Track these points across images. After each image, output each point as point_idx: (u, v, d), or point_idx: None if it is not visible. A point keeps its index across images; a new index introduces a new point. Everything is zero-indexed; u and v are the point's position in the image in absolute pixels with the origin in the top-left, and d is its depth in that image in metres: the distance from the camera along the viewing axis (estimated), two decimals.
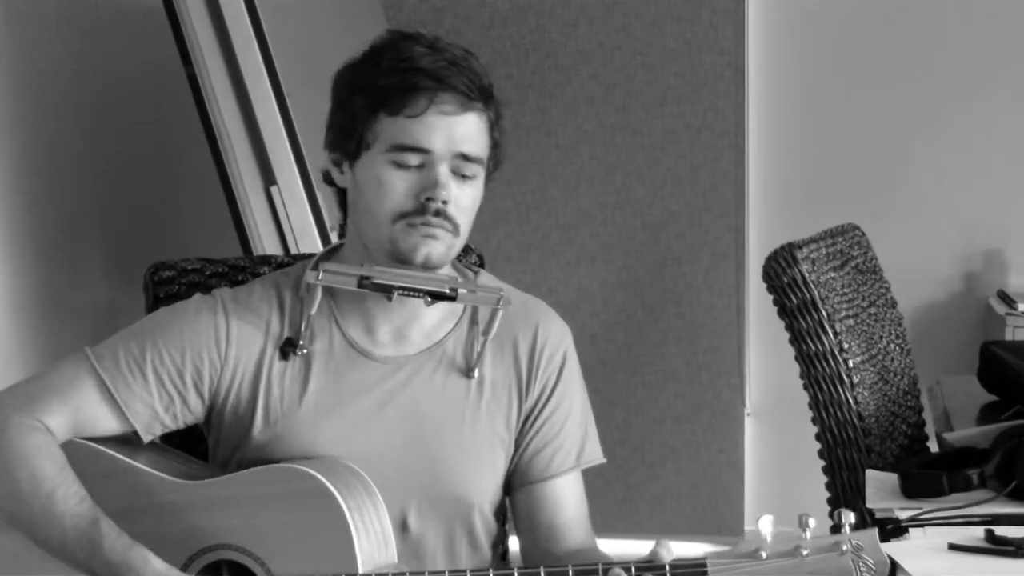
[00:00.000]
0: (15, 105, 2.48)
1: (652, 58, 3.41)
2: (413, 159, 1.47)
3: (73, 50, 2.67)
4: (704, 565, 1.31)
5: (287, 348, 1.53)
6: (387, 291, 1.47)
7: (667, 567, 1.33)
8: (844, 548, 1.27)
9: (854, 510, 2.05)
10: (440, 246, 1.49)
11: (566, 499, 1.59)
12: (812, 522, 1.28)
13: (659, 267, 3.50)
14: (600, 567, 1.34)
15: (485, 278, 1.65)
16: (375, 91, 1.48)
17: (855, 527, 1.29)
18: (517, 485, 1.60)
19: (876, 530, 1.30)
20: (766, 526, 1.29)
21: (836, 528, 1.30)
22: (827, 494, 2.18)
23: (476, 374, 1.56)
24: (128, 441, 1.53)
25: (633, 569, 1.33)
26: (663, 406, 3.54)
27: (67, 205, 2.66)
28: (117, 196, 2.82)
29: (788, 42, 3.42)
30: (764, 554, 1.28)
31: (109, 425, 1.51)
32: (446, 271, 1.56)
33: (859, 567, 1.27)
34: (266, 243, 2.37)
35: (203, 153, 2.42)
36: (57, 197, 2.63)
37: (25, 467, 1.44)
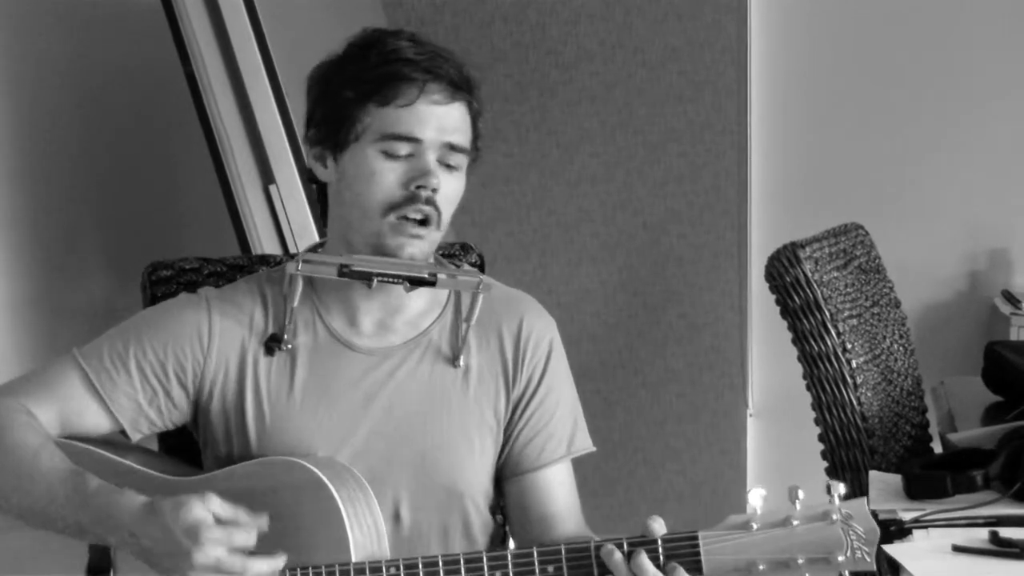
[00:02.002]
0: (13, 104, 2.48)
1: (654, 56, 3.40)
2: (403, 148, 1.49)
3: (72, 49, 2.66)
4: (695, 538, 1.33)
5: (272, 343, 1.55)
6: (367, 278, 1.47)
7: (659, 541, 1.33)
8: (834, 517, 1.28)
9: None
10: (425, 245, 1.51)
11: (558, 488, 1.60)
12: (801, 494, 1.30)
13: (661, 266, 3.49)
14: (592, 543, 1.36)
15: (468, 269, 1.66)
16: (365, 83, 1.50)
17: (844, 497, 1.29)
18: (509, 475, 1.61)
19: (865, 499, 1.31)
20: (756, 499, 1.29)
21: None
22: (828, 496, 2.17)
23: (461, 363, 1.57)
24: (117, 444, 1.54)
25: (625, 544, 1.34)
26: (665, 406, 3.54)
27: (65, 204, 2.65)
28: (115, 195, 2.81)
29: (791, 40, 3.41)
30: (755, 525, 1.30)
31: (95, 420, 1.52)
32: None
33: (849, 535, 1.28)
34: (265, 242, 2.36)
35: (201, 152, 2.41)
36: (55, 196, 2.62)
37: (8, 439, 1.45)
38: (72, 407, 1.51)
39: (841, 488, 1.29)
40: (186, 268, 1.76)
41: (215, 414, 1.55)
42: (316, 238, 2.37)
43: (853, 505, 1.29)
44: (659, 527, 1.34)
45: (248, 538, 1.35)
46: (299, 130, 2.37)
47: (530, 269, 3.51)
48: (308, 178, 1.61)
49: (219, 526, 1.33)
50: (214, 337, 1.54)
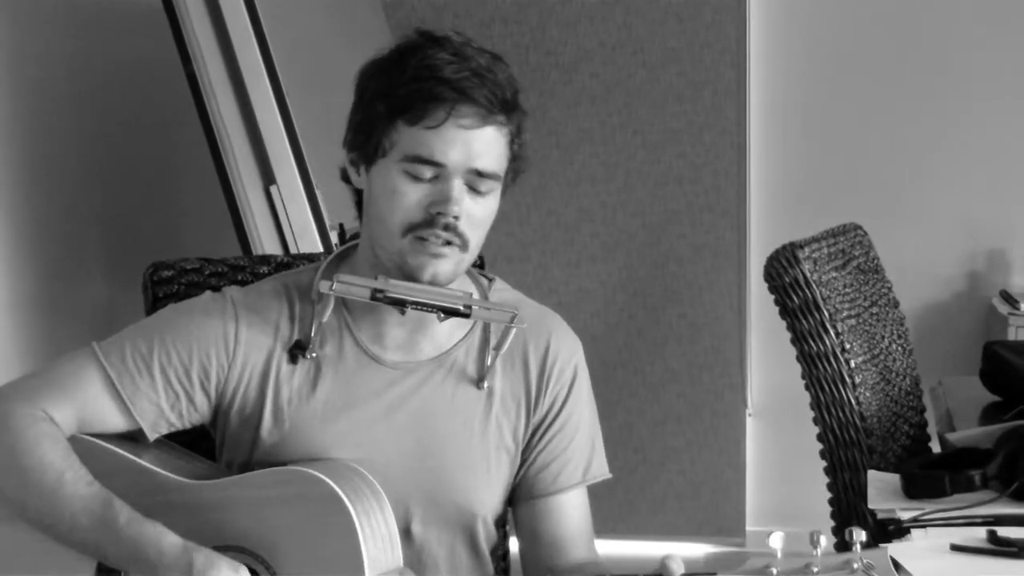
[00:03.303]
0: (15, 105, 2.48)
1: (653, 57, 3.41)
2: (427, 172, 1.45)
3: (73, 49, 2.67)
4: None
5: (296, 351, 1.53)
6: (400, 305, 1.46)
7: None
8: (855, 567, 1.26)
9: (856, 511, 2.05)
10: (447, 264, 1.47)
11: (571, 513, 1.59)
12: (823, 540, 1.27)
13: (660, 267, 3.49)
14: None
15: (500, 286, 1.64)
16: (395, 98, 1.46)
17: (866, 545, 1.27)
18: (522, 498, 1.59)
19: (888, 549, 1.29)
20: (777, 542, 1.28)
21: (846, 546, 1.29)
22: (829, 495, 2.18)
23: (486, 385, 1.56)
24: (133, 438, 1.53)
25: None
26: (664, 406, 3.54)
27: (66, 204, 2.65)
28: (116, 195, 2.81)
29: (790, 40, 3.41)
30: (774, 571, 1.27)
31: (114, 422, 1.50)
32: (459, 281, 1.55)
33: None
34: (265, 243, 2.37)
35: (202, 152, 2.41)
36: (56, 196, 2.62)
37: (32, 454, 1.43)
38: (91, 408, 1.49)
39: (862, 535, 1.26)
40: (187, 268, 1.75)
41: (235, 418, 1.54)
42: (317, 239, 2.37)
43: (875, 555, 1.26)
44: (677, 567, 1.31)
45: None
46: (300, 130, 2.38)
47: (530, 269, 3.51)
48: (343, 178, 1.57)
49: None
50: (240, 343, 1.52)
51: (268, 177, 2.37)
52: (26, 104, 2.52)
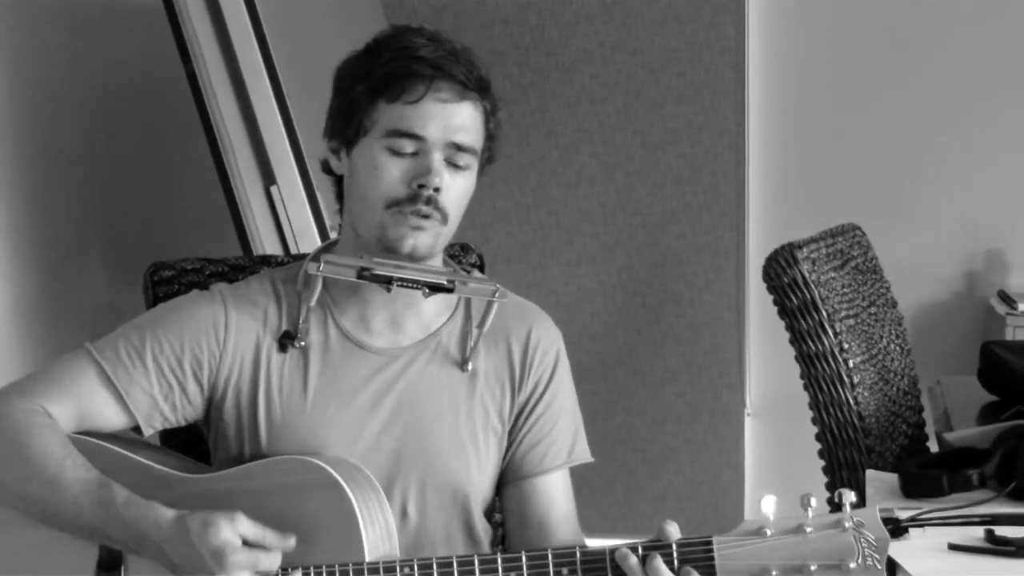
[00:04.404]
0: (14, 104, 2.48)
1: (652, 57, 3.41)
2: (408, 146, 1.50)
3: (73, 49, 2.67)
4: (710, 543, 1.33)
5: (285, 340, 1.56)
6: (386, 282, 1.48)
7: (673, 545, 1.34)
8: (846, 525, 1.30)
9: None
10: (427, 237, 1.51)
11: (557, 495, 1.62)
12: (814, 501, 1.31)
13: (659, 267, 3.50)
14: (607, 548, 1.36)
15: (478, 276, 1.66)
16: (375, 78, 1.51)
17: (855, 506, 1.31)
18: (510, 480, 1.62)
19: (876, 508, 1.32)
20: (769, 506, 1.31)
21: (837, 507, 1.32)
22: (827, 494, 2.18)
23: (470, 367, 1.59)
24: (128, 440, 1.54)
25: (640, 548, 1.35)
26: (664, 406, 3.55)
27: (67, 205, 2.66)
28: (117, 196, 2.81)
29: (789, 41, 3.42)
30: (768, 531, 1.31)
31: (110, 415, 1.52)
32: (438, 264, 1.58)
33: (860, 543, 1.29)
34: (266, 243, 2.37)
35: (203, 152, 2.41)
36: (57, 196, 2.62)
37: (33, 445, 1.45)
38: (87, 403, 1.51)
39: (852, 496, 1.30)
40: (188, 269, 1.77)
41: (228, 411, 1.56)
42: (317, 239, 2.38)
43: (865, 513, 1.31)
44: (674, 531, 1.35)
45: (273, 561, 1.38)
46: (300, 130, 2.39)
47: (530, 269, 3.52)
48: (323, 169, 1.61)
49: (245, 549, 1.37)
50: (230, 331, 1.55)
51: (268, 177, 2.37)
52: (26, 104, 2.52)
